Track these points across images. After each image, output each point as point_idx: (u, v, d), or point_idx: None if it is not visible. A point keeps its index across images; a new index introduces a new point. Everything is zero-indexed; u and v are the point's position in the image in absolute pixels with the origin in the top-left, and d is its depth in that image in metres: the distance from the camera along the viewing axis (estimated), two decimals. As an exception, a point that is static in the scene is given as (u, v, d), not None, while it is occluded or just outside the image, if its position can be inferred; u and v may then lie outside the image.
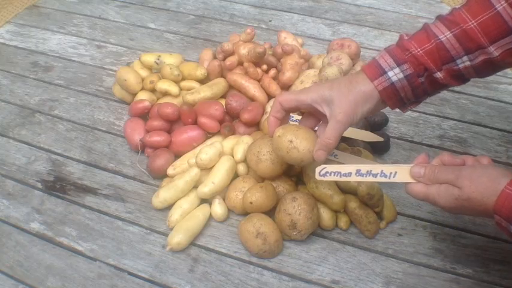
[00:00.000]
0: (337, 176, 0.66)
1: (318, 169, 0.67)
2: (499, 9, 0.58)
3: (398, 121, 0.98)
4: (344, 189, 0.78)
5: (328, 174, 0.66)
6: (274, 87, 0.95)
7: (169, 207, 0.80)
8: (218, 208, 0.79)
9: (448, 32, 0.61)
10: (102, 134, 0.96)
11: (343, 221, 0.77)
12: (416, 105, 0.69)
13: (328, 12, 1.31)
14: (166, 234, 0.77)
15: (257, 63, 0.98)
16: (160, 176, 0.85)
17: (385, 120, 0.93)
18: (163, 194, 0.79)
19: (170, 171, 0.84)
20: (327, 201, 0.75)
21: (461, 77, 0.64)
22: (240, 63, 0.99)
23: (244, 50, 0.97)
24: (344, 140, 0.85)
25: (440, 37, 0.61)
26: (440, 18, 0.64)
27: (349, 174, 0.66)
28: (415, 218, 0.80)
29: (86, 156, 0.92)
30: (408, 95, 0.65)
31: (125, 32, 1.24)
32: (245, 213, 0.78)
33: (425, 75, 0.63)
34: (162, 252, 0.76)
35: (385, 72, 0.63)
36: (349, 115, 0.63)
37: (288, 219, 0.72)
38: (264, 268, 0.74)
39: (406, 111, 0.69)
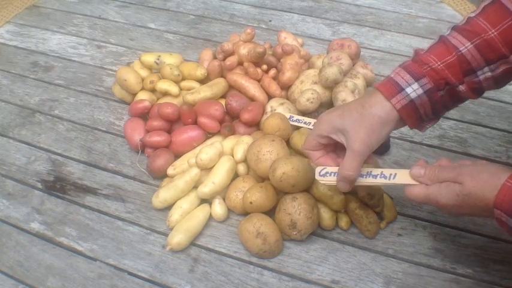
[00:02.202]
0: (336, 176, 0.66)
1: (317, 169, 0.67)
2: None
3: (399, 121, 0.98)
4: (344, 189, 0.78)
5: (328, 175, 0.65)
6: (274, 87, 0.95)
7: (169, 207, 0.80)
8: (218, 208, 0.79)
9: (469, 43, 0.58)
10: (102, 134, 0.96)
11: (344, 221, 0.77)
12: (435, 122, 0.65)
13: (328, 12, 1.31)
14: (166, 234, 0.77)
15: (257, 63, 0.98)
16: (160, 176, 0.85)
17: (385, 120, 0.93)
18: (163, 194, 0.79)
19: (170, 171, 0.84)
20: (327, 201, 0.75)
21: (480, 90, 0.62)
22: (240, 63, 0.99)
23: (244, 50, 0.97)
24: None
25: (461, 49, 0.59)
26: (456, 29, 0.61)
27: None
28: (415, 218, 0.80)
29: (86, 156, 0.92)
30: (427, 111, 0.62)
31: (125, 32, 1.24)
32: (245, 213, 0.78)
33: (446, 89, 0.60)
34: (162, 252, 0.76)
35: (402, 89, 0.59)
36: (366, 143, 0.59)
37: (288, 218, 0.72)
38: (264, 268, 0.74)
39: (424, 130, 0.65)
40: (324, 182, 0.66)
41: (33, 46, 1.20)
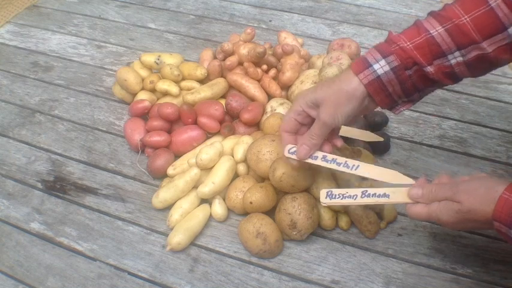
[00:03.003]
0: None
1: (287, 147, 0.68)
2: (492, 5, 0.58)
3: (399, 121, 0.98)
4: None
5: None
6: (274, 87, 0.95)
7: (169, 207, 0.80)
8: (218, 208, 0.79)
9: (440, 27, 0.60)
10: (102, 134, 0.96)
11: (344, 221, 0.77)
12: (409, 105, 0.67)
13: (328, 12, 1.31)
14: (166, 234, 0.77)
15: (257, 63, 0.98)
16: (160, 176, 0.85)
17: (385, 120, 0.93)
18: (163, 194, 0.79)
19: (170, 171, 0.84)
20: (327, 201, 0.75)
21: (453, 75, 0.63)
22: (240, 63, 0.99)
23: (244, 50, 0.97)
24: (344, 140, 0.85)
25: (431, 31, 0.60)
26: (432, 13, 0.63)
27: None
28: (415, 218, 0.80)
29: (86, 156, 0.92)
30: (397, 90, 0.63)
31: (125, 32, 1.24)
32: (245, 213, 0.78)
33: (414, 69, 0.62)
34: (162, 252, 0.76)
35: (370, 65, 0.61)
36: (332, 115, 0.63)
37: (288, 218, 0.72)
38: (264, 268, 0.74)
39: (398, 112, 0.67)
40: (290, 157, 0.68)
41: (33, 46, 1.20)
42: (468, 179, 0.60)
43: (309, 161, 0.68)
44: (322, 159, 0.68)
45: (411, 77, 0.63)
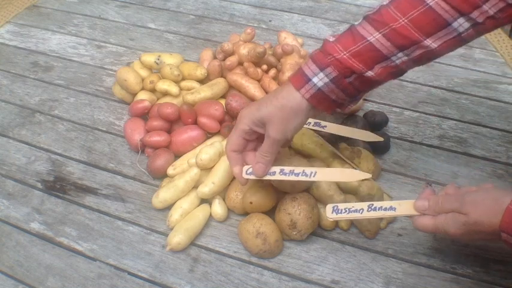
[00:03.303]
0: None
1: (244, 168, 0.70)
2: (431, 4, 0.57)
3: (398, 121, 0.98)
4: (344, 189, 0.78)
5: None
6: (274, 87, 0.95)
7: (169, 207, 0.80)
8: (218, 208, 0.79)
9: (377, 33, 0.60)
10: (102, 134, 0.96)
11: (344, 221, 0.77)
12: (355, 102, 0.68)
13: (328, 12, 1.31)
14: (166, 234, 0.77)
15: (257, 63, 0.98)
16: (160, 176, 0.85)
17: (385, 120, 0.93)
18: (163, 194, 0.79)
19: (170, 171, 0.84)
20: (327, 201, 0.75)
21: (399, 72, 0.63)
22: (240, 63, 0.99)
23: (244, 50, 0.97)
24: (344, 140, 0.85)
25: (368, 38, 0.60)
26: (366, 18, 0.62)
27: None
28: (415, 218, 0.80)
29: (86, 156, 0.92)
30: (340, 96, 0.64)
31: (125, 32, 1.24)
32: (245, 213, 0.78)
33: (354, 76, 0.62)
34: (162, 252, 0.76)
35: (310, 80, 0.62)
36: (281, 132, 0.64)
37: (288, 218, 0.72)
38: (264, 268, 0.74)
39: (346, 110, 0.69)
40: (249, 178, 0.70)
41: (33, 46, 1.20)
42: (475, 190, 0.60)
43: (267, 177, 0.69)
44: (280, 173, 0.69)
45: (352, 84, 0.63)
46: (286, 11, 1.32)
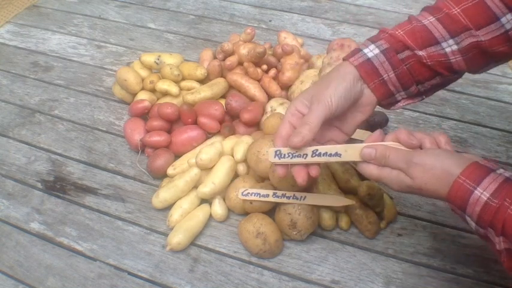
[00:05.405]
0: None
1: (240, 190, 0.75)
2: None
3: (398, 121, 0.98)
4: (344, 189, 0.78)
5: (249, 195, 0.73)
6: (274, 87, 0.95)
7: (169, 207, 0.80)
8: (218, 208, 0.79)
9: (431, 17, 0.61)
10: (102, 134, 0.96)
11: (344, 221, 0.77)
12: (409, 101, 0.65)
13: (328, 12, 1.31)
14: (166, 234, 0.77)
15: (257, 63, 0.98)
16: (160, 176, 0.85)
17: (385, 120, 0.93)
18: (163, 194, 0.79)
19: (170, 171, 0.84)
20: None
21: (449, 66, 0.62)
22: (240, 63, 0.99)
23: (244, 50, 0.97)
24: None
25: (423, 21, 0.62)
26: (424, 8, 0.64)
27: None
28: (415, 218, 0.80)
29: (86, 156, 0.92)
30: (391, 77, 0.61)
31: (125, 32, 1.24)
32: (245, 213, 0.78)
33: (406, 53, 0.61)
34: (162, 252, 0.76)
35: (360, 50, 0.62)
36: (323, 94, 0.59)
37: (288, 218, 0.72)
38: (264, 268, 0.74)
39: (397, 107, 0.66)
40: (246, 199, 0.75)
41: (33, 46, 1.20)
42: (424, 151, 0.57)
43: (261, 198, 0.74)
44: (273, 196, 0.74)
45: (404, 62, 0.62)
46: (286, 11, 1.32)
